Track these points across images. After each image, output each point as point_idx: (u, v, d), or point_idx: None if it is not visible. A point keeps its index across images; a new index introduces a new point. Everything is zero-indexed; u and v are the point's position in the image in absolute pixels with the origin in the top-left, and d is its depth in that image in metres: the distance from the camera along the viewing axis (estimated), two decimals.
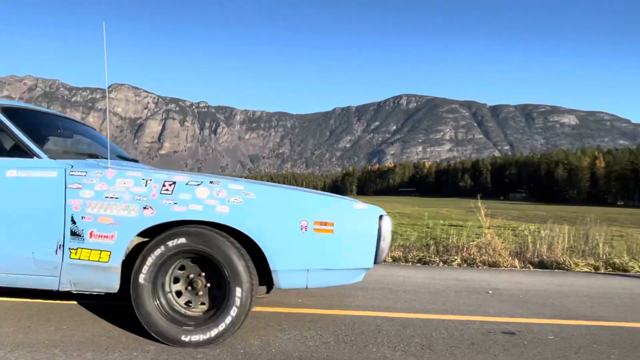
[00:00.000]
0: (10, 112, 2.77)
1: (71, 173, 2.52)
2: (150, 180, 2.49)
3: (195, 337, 2.42)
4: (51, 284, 2.53)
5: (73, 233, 2.46)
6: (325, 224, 2.51)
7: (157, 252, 2.42)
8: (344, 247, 2.55)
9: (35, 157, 2.62)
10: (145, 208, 2.43)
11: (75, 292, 2.54)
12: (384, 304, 3.68)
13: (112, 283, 2.47)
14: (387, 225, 2.65)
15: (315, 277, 2.57)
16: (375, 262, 2.62)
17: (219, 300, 2.49)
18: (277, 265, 2.48)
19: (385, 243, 2.63)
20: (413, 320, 3.23)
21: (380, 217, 2.64)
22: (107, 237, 2.44)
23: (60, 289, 2.53)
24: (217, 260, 2.42)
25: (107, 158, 2.82)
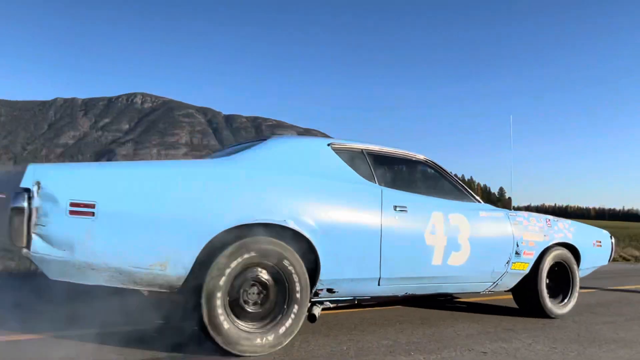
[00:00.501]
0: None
1: (510, 215, 4.09)
2: (542, 218, 4.39)
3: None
4: (482, 287, 4.01)
5: (516, 253, 3.95)
6: (599, 242, 4.82)
7: (551, 260, 4.32)
8: (602, 254, 4.95)
9: (476, 202, 4.00)
10: (545, 235, 4.23)
11: (483, 291, 4.13)
12: None
13: (509, 283, 4.16)
14: (614, 240, 5.10)
15: (583, 273, 4.84)
16: (607, 262, 5.12)
17: (563, 289, 4.53)
18: (581, 266, 4.68)
19: (613, 251, 5.09)
20: None
21: (611, 236, 5.07)
22: (530, 254, 4.08)
23: (483, 291, 4.07)
24: (567, 264, 4.47)
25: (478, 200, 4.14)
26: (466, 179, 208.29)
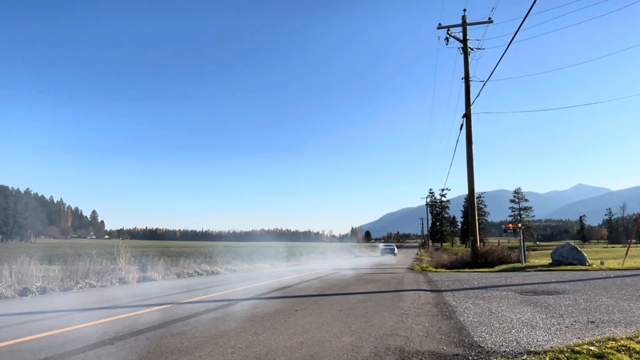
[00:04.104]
0: None
1: (395, 245, 76.91)
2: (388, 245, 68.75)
3: None
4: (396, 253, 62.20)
5: (396, 250, 63.79)
6: (395, 248, 65.80)
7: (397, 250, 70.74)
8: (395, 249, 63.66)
9: (394, 245, 78.25)
10: (397, 248, 73.01)
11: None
12: None
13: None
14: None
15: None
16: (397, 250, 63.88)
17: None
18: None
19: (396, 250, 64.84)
20: None
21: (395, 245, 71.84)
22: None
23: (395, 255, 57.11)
24: (396, 250, 64.22)
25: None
26: (55, 201, 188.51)
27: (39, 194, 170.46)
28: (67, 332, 5.47)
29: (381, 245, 74.41)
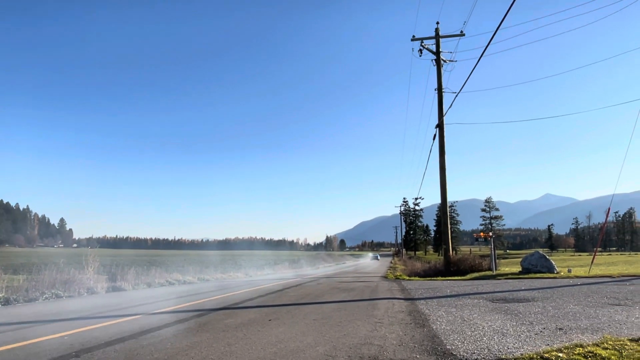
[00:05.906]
0: None
1: (379, 253, 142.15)
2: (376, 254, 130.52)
3: None
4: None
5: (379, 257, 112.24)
6: (379, 255, 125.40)
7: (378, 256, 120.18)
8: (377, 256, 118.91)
9: (377, 253, 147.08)
10: (379, 255, 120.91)
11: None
12: None
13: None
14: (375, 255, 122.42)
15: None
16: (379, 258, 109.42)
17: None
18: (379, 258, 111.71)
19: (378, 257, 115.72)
20: None
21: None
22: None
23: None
24: (379, 257, 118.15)
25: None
26: (21, 208, 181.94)
27: (4, 201, 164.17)
28: (31, 344, 5.26)
29: (370, 254, 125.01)
